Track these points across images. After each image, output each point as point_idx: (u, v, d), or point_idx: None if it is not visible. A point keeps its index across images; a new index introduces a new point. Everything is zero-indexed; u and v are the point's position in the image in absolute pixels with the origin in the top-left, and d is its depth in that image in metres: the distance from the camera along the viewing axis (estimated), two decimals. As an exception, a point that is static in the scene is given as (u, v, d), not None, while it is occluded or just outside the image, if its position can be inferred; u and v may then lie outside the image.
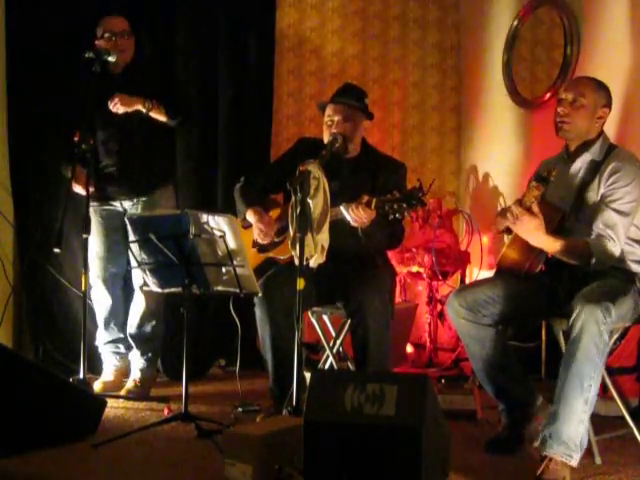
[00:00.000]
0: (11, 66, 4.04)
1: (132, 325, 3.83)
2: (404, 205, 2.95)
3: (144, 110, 3.66)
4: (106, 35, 3.73)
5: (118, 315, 3.93)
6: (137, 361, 3.82)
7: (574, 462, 2.54)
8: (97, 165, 3.80)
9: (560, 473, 2.52)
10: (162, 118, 3.71)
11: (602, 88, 2.98)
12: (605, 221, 2.80)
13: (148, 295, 3.71)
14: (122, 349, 3.92)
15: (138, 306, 3.80)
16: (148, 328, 3.80)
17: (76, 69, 3.72)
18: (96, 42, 3.73)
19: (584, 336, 2.54)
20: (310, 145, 3.38)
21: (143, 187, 3.79)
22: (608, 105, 2.98)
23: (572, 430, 2.53)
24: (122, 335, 3.91)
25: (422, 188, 2.97)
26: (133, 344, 3.82)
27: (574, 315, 2.58)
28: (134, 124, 3.73)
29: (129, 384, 3.78)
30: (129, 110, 3.65)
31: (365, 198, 3.00)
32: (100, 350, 3.97)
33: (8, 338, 4.00)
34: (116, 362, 3.92)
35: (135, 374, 3.80)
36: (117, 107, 3.64)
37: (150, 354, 3.82)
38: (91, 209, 3.69)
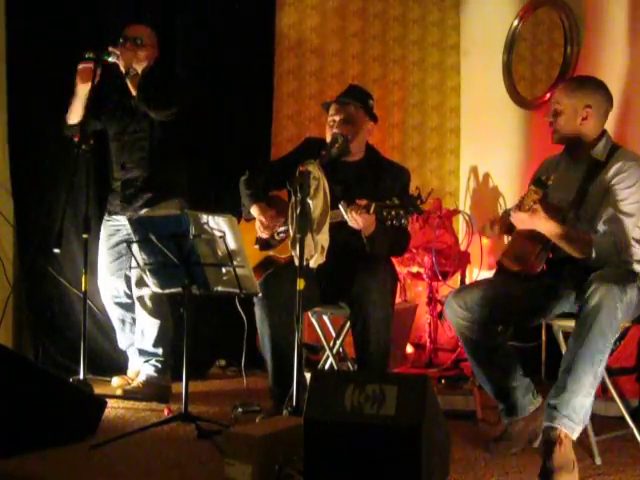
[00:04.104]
0: (11, 66, 4.04)
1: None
2: (401, 212, 2.96)
3: (122, 68, 3.63)
4: (120, 40, 3.70)
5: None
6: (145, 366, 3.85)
7: (575, 435, 2.55)
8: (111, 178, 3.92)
9: (569, 456, 2.52)
10: (133, 91, 3.68)
11: (581, 89, 2.96)
12: (609, 221, 2.80)
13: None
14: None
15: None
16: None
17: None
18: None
19: (601, 310, 2.54)
20: (316, 145, 3.36)
21: (144, 201, 3.77)
22: (592, 105, 2.94)
23: (579, 403, 2.54)
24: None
25: (420, 196, 3.00)
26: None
27: (590, 290, 2.58)
28: (139, 138, 3.76)
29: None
30: (117, 59, 3.62)
31: (364, 202, 3.01)
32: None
33: (8, 338, 4.00)
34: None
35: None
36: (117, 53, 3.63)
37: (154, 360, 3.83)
38: (103, 224, 3.88)
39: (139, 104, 3.69)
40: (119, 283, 3.90)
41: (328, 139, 3.33)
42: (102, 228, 3.92)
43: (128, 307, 3.89)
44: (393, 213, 2.96)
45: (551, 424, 2.56)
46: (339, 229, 3.10)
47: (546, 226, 2.79)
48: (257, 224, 3.39)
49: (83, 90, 3.63)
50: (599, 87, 2.99)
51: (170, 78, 3.87)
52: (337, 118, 3.34)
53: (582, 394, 2.54)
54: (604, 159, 2.93)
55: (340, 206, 3.05)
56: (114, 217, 3.87)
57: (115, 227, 3.87)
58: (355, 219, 3.03)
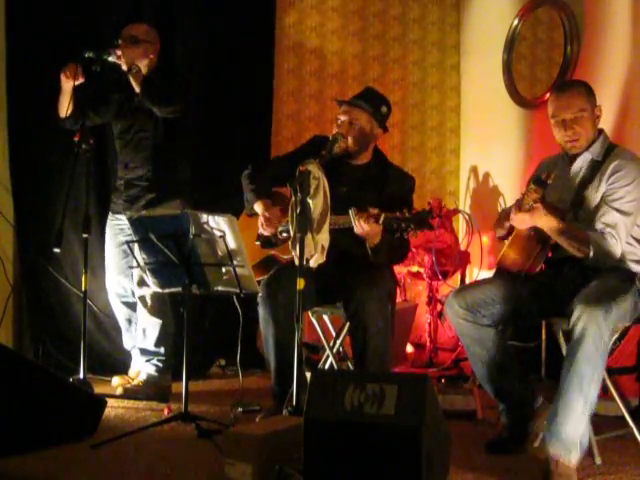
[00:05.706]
0: (11, 66, 4.05)
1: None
2: (412, 226, 2.94)
3: (124, 67, 3.66)
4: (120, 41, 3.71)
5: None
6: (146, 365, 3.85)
7: (573, 461, 2.54)
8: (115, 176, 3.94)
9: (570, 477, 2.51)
10: (136, 87, 3.68)
11: (589, 90, 3.00)
12: (606, 220, 2.81)
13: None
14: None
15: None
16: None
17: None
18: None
19: (585, 338, 2.53)
20: (323, 144, 3.30)
21: (147, 201, 3.76)
22: (596, 102, 3.00)
23: (571, 429, 2.53)
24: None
25: (432, 212, 2.98)
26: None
27: (575, 317, 2.58)
28: (143, 137, 3.77)
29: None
30: (121, 56, 3.65)
31: (375, 211, 2.99)
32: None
33: (8, 338, 4.00)
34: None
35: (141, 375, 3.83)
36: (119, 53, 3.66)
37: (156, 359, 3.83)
38: (107, 223, 3.89)
39: (142, 100, 3.69)
40: (126, 282, 3.89)
41: None
42: (107, 227, 3.92)
43: (135, 306, 3.88)
44: (403, 225, 2.94)
45: (548, 451, 2.55)
46: (341, 234, 3.09)
47: (546, 222, 2.80)
48: (260, 220, 3.37)
49: (67, 85, 3.67)
50: (591, 87, 3.03)
51: (173, 74, 3.86)
52: (343, 118, 3.34)
53: (573, 420, 2.53)
54: (601, 159, 2.94)
55: (350, 212, 3.03)
56: (117, 216, 3.87)
57: (119, 226, 3.86)
58: (362, 227, 3.01)
